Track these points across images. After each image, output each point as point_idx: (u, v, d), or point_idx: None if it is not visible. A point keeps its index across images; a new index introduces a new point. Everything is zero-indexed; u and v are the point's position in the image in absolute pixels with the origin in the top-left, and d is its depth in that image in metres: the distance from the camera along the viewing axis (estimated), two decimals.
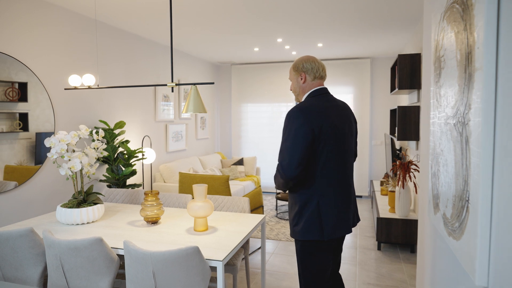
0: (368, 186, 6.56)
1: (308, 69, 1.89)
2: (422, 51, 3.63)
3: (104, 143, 2.60)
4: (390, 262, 3.64)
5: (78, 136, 2.50)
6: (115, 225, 2.41)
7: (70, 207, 2.42)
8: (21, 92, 3.18)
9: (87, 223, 2.45)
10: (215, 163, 6.45)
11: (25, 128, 3.19)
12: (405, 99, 5.06)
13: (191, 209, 2.24)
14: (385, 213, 4.03)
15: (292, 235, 1.90)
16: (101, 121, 3.85)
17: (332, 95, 1.95)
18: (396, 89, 3.94)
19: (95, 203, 2.52)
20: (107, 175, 3.78)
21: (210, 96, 7.03)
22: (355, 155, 2.09)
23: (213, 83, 2.24)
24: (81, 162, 2.41)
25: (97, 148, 2.63)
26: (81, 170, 2.51)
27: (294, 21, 4.07)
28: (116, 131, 4.10)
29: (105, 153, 2.70)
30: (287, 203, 6.10)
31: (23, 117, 3.19)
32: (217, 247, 1.99)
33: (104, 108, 4.08)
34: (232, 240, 2.11)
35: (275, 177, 1.87)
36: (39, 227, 2.36)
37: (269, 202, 6.41)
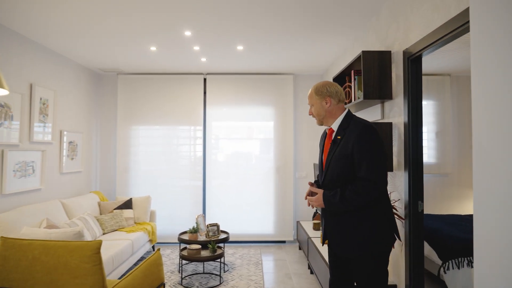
0: (294, 229, 5.38)
1: (333, 93, 1.92)
2: (393, 49, 2.52)
3: None
4: None
5: None
6: None
7: None
8: None
9: None
10: (89, 208, 4.50)
11: None
12: None
13: None
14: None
15: (367, 250, 1.83)
16: None
17: None
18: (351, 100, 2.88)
19: None
20: None
21: (87, 115, 5.11)
22: None
23: None
24: None
25: None
26: None
27: (207, 11, 2.76)
28: None
29: None
30: (193, 263, 4.46)
31: None
32: None
33: None
34: None
35: (361, 195, 1.76)
36: None
37: (167, 258, 4.68)
